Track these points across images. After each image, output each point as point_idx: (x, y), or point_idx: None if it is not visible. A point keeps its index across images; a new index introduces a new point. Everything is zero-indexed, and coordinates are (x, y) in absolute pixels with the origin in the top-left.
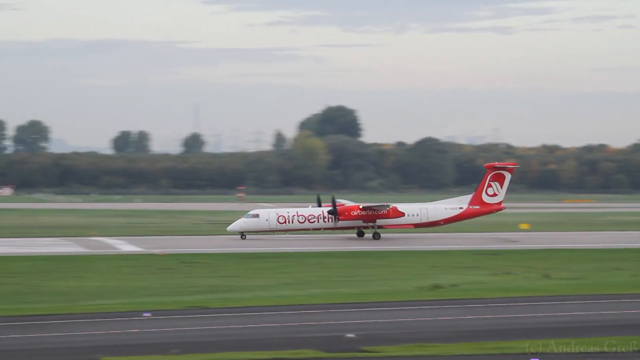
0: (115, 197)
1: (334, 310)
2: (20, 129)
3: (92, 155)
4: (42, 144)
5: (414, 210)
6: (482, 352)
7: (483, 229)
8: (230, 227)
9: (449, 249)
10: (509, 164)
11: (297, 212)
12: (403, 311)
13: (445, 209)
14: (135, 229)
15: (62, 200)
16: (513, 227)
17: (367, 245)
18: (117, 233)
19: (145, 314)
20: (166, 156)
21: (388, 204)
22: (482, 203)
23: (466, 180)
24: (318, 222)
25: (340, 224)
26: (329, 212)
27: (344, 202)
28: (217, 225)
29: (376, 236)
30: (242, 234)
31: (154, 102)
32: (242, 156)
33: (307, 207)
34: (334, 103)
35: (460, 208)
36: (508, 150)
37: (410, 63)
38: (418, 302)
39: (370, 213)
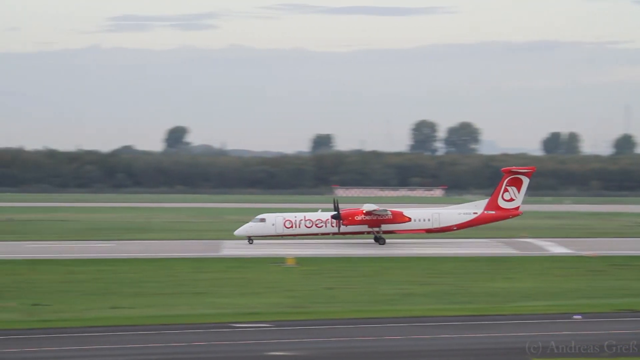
0: (546, 198)
1: None
2: (452, 131)
3: (522, 157)
4: (473, 146)
5: (424, 215)
6: None
7: None
8: (237, 232)
9: None
10: (527, 168)
11: (304, 217)
12: None
13: (459, 214)
14: (565, 231)
15: None
16: None
17: None
18: (548, 235)
19: (575, 316)
20: (596, 157)
21: (386, 209)
22: (498, 208)
23: None
24: (326, 227)
25: (345, 229)
26: (332, 217)
27: (372, 206)
28: None
29: (381, 241)
30: (250, 239)
31: (585, 103)
32: None
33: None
34: None
35: (475, 213)
36: None
37: None
38: None
39: (374, 218)
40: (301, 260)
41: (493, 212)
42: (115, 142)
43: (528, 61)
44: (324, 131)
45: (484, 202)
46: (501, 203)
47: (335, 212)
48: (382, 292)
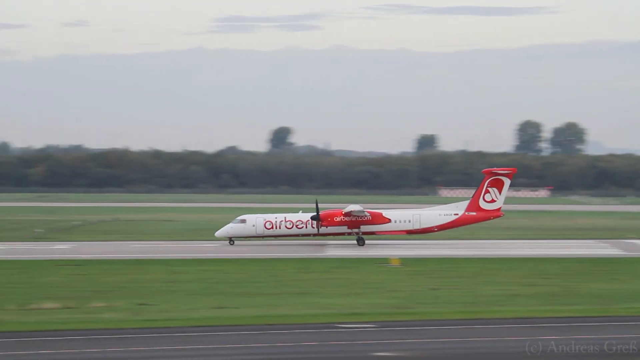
0: None
1: None
2: (557, 131)
3: (629, 157)
4: (578, 146)
5: (405, 216)
6: None
7: None
8: (217, 233)
9: None
10: (508, 169)
11: (285, 218)
12: None
13: (440, 215)
14: None
15: (597, 202)
16: None
17: None
18: None
19: None
20: None
21: (362, 209)
22: (479, 209)
23: None
24: (306, 227)
25: (324, 230)
26: (311, 218)
27: (356, 206)
28: None
29: (360, 242)
30: (231, 240)
31: None
32: None
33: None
34: None
35: (456, 214)
36: None
37: None
38: None
39: (354, 219)
40: (405, 261)
41: (474, 214)
42: (220, 143)
43: (635, 60)
44: (428, 131)
45: (465, 204)
46: (482, 204)
47: (315, 213)
48: (487, 292)
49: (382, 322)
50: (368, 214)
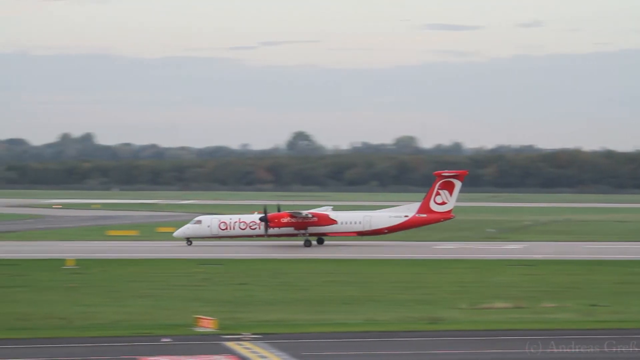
0: None
1: None
2: None
3: None
4: None
5: (356, 218)
6: None
7: None
8: (175, 233)
9: None
10: (458, 172)
11: (239, 219)
12: None
13: (390, 217)
14: None
15: None
16: None
17: None
18: None
19: None
20: None
21: (301, 211)
22: (430, 211)
23: None
24: (259, 229)
25: (272, 231)
26: (259, 219)
27: (323, 210)
28: None
29: (307, 244)
30: (188, 240)
31: None
32: None
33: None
34: None
35: (406, 216)
36: None
37: None
38: None
39: (300, 220)
40: None
41: (424, 216)
42: None
43: None
44: None
45: (416, 205)
46: (433, 206)
47: (263, 215)
48: None
49: None
50: (311, 216)
